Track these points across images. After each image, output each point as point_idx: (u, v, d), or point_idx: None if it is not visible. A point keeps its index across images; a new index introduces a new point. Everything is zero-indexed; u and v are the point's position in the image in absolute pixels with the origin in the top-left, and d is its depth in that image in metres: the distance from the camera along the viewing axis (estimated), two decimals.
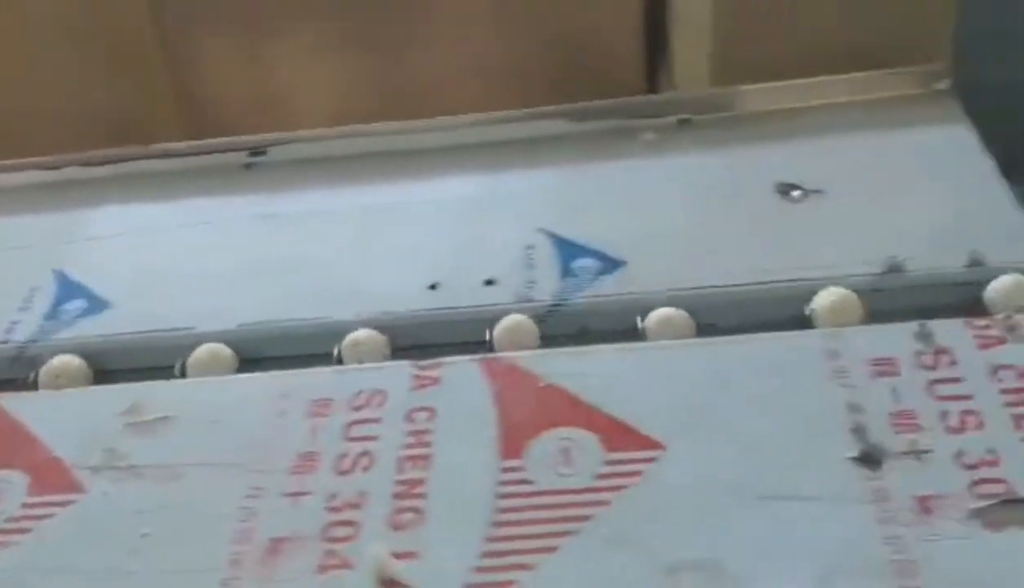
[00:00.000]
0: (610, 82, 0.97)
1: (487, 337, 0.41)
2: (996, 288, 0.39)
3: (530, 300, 0.43)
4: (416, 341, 0.42)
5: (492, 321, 0.42)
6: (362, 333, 0.42)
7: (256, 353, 0.43)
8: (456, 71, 0.92)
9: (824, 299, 0.40)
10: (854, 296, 0.40)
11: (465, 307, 0.43)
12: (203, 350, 0.43)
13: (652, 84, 0.97)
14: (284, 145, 0.55)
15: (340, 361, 0.42)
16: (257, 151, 0.56)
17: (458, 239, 0.47)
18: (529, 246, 0.46)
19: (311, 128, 0.57)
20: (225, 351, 0.43)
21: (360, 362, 0.41)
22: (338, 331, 0.42)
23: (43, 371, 0.43)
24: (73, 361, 0.44)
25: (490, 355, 0.40)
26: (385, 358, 0.42)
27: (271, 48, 0.87)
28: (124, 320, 0.46)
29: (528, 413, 0.37)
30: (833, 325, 0.39)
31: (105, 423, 0.40)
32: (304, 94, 0.93)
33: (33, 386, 0.43)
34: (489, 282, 0.44)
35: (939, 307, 0.39)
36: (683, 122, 0.53)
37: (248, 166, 0.55)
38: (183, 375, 0.43)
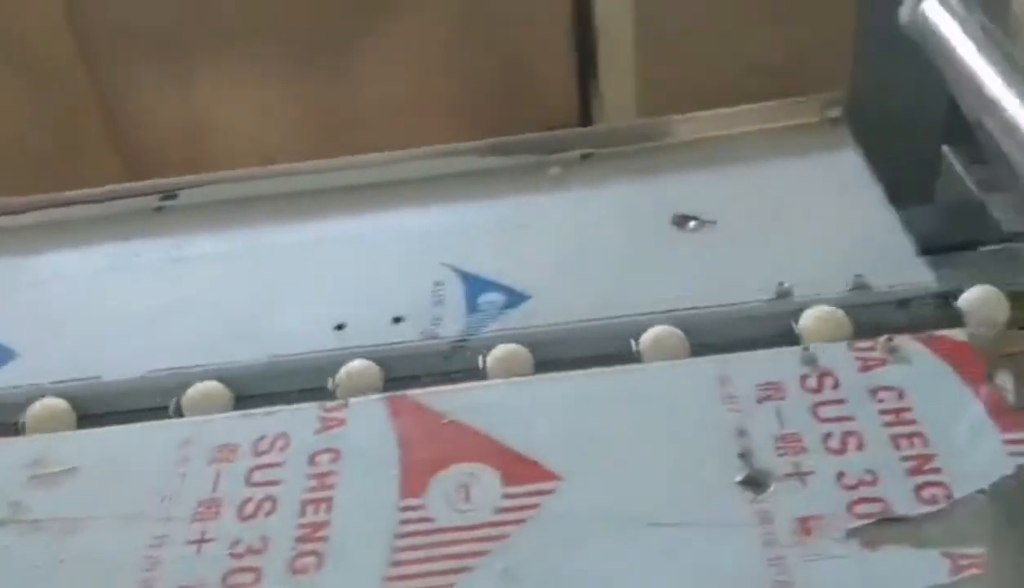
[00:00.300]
0: (545, 108, 0.99)
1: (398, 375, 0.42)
2: (805, 319, 0.41)
3: (436, 337, 0.44)
4: (318, 383, 0.42)
5: (399, 360, 0.43)
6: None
7: (162, 401, 0.43)
8: (393, 101, 0.94)
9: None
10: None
11: (371, 346, 0.43)
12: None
13: (586, 109, 0.99)
14: (195, 188, 0.55)
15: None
16: (168, 195, 0.56)
17: (367, 277, 0.48)
18: (438, 282, 0.47)
19: (243, 159, 0.57)
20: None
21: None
22: (242, 375, 0.43)
23: None
24: None
25: (396, 394, 0.41)
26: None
27: (202, 80, 0.87)
28: (31, 371, 0.46)
29: (431, 450, 0.38)
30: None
31: (10, 476, 0.39)
32: (235, 125, 0.93)
33: None
34: (397, 320, 0.45)
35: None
36: (586, 156, 0.54)
37: (159, 209, 0.56)
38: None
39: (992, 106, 0.38)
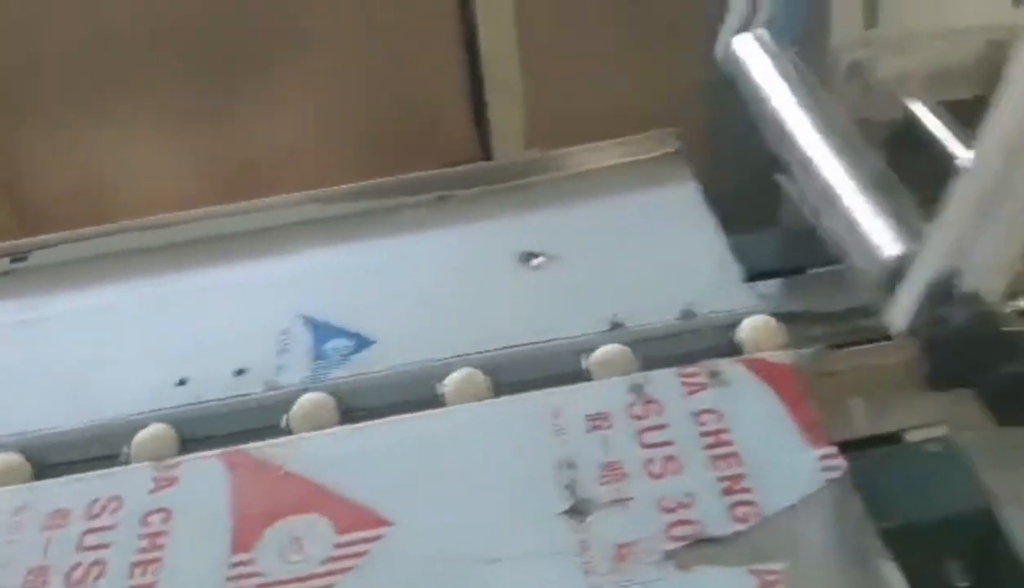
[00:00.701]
0: (443, 145, 1.01)
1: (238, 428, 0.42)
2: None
3: (278, 387, 0.44)
4: (114, 450, 0.41)
5: (242, 412, 0.43)
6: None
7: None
8: (291, 147, 0.94)
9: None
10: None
11: (209, 401, 0.43)
12: None
13: (484, 145, 1.01)
14: (44, 249, 0.55)
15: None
16: (17, 257, 0.55)
17: (214, 330, 0.48)
18: (284, 331, 0.47)
19: (141, 213, 0.57)
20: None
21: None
22: (42, 444, 0.42)
23: None
24: None
25: (232, 449, 0.40)
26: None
27: (95, 135, 0.86)
28: None
29: (265, 504, 0.38)
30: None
31: None
32: (131, 180, 0.92)
33: None
34: (240, 372, 0.45)
35: (658, 358, 0.43)
36: (442, 198, 0.55)
37: (7, 273, 0.54)
38: None
39: (789, 141, 0.41)
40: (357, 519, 0.36)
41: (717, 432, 0.38)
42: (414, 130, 0.98)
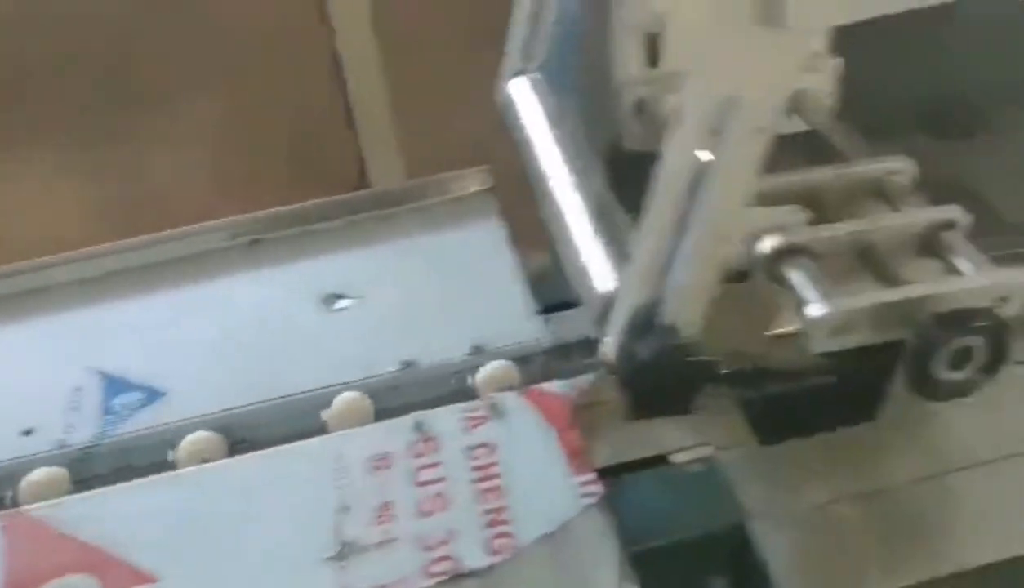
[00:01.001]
0: (330, 175, 1.02)
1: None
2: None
3: (65, 446, 0.43)
4: None
5: (23, 474, 0.42)
6: None
7: None
8: (184, 183, 0.94)
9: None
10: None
11: None
12: None
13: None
14: None
15: None
16: None
17: (3, 388, 0.47)
18: (77, 388, 0.46)
19: (30, 250, 0.55)
20: None
21: None
22: None
23: None
24: None
25: (10, 511, 0.40)
26: None
27: None
28: None
29: (37, 565, 0.37)
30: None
31: None
32: (28, 221, 0.90)
33: None
34: (27, 432, 0.44)
35: (447, 395, 0.44)
36: (255, 241, 0.56)
37: None
38: None
39: (540, 178, 0.42)
40: (124, 577, 0.36)
41: (487, 466, 0.39)
42: (301, 161, 1.00)
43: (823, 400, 0.40)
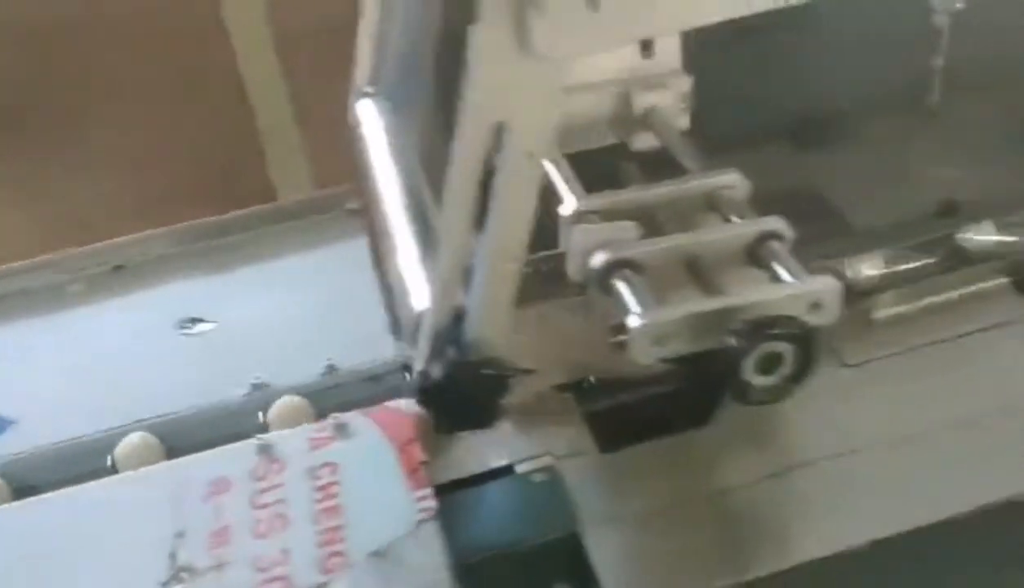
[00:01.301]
0: (242, 190, 1.02)
1: None
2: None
3: None
4: None
5: None
6: None
7: None
8: (110, 194, 0.93)
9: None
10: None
11: None
12: None
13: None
14: None
15: None
16: None
17: None
18: None
19: None
20: None
21: None
22: None
23: None
24: None
25: None
26: None
27: None
28: None
29: None
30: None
31: None
32: None
33: None
34: None
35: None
36: (117, 268, 0.55)
37: None
38: None
39: (371, 199, 0.43)
40: None
41: (329, 485, 0.39)
42: (217, 177, 1.00)
43: (658, 407, 0.41)
